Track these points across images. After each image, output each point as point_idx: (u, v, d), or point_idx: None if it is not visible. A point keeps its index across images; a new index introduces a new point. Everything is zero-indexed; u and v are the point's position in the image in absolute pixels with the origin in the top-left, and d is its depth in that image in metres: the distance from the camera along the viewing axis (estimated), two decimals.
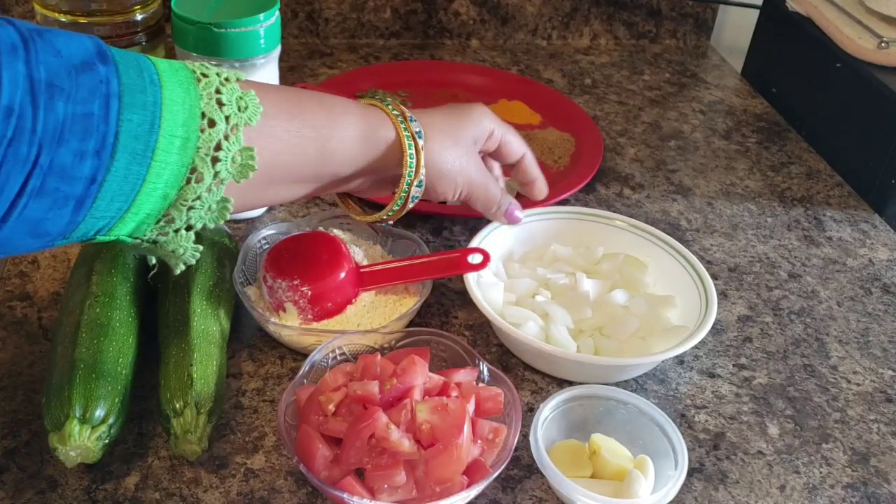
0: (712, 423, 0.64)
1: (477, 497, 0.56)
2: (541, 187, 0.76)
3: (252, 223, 0.79)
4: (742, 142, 1.02)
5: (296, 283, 0.64)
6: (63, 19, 0.67)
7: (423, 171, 0.62)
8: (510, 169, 0.75)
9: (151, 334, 0.62)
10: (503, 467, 0.55)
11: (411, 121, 0.62)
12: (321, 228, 0.72)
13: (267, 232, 0.72)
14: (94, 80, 0.44)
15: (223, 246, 0.69)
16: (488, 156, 0.73)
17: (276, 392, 0.63)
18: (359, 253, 0.69)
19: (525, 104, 1.02)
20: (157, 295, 0.65)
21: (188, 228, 0.52)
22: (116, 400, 0.55)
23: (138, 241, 0.51)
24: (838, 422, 0.66)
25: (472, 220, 0.82)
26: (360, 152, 0.60)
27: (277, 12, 0.71)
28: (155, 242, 0.51)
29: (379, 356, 0.59)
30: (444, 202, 0.73)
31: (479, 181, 0.68)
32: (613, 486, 0.56)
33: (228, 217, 0.53)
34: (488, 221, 0.73)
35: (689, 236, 0.84)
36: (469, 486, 0.53)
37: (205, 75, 0.50)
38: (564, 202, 0.85)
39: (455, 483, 0.53)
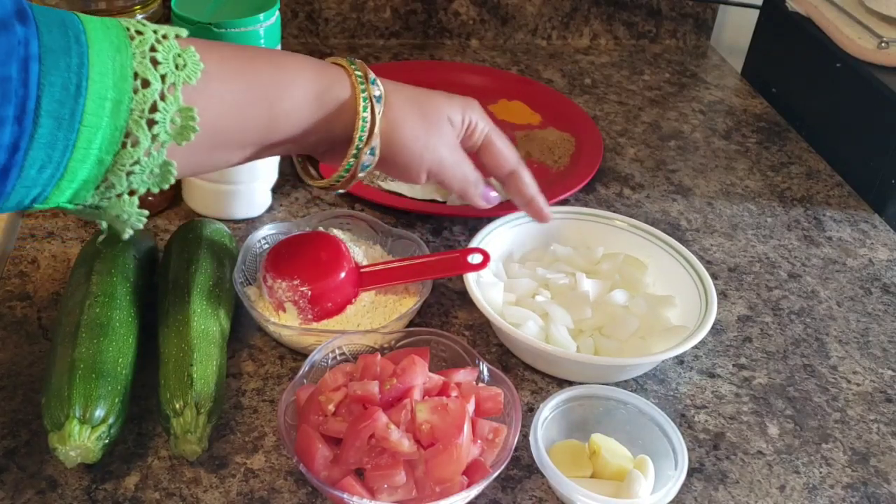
0: (712, 423, 0.64)
1: (477, 497, 0.56)
2: (537, 208, 0.69)
3: (252, 223, 0.80)
4: (742, 142, 1.02)
5: (296, 283, 0.64)
6: None
7: (376, 138, 0.58)
8: (503, 184, 0.69)
9: (151, 334, 0.62)
10: (503, 467, 0.55)
11: (373, 83, 0.58)
12: (321, 228, 0.72)
13: (267, 232, 0.72)
14: (10, 41, 0.41)
15: (223, 246, 0.69)
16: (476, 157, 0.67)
17: (276, 392, 0.63)
18: (359, 253, 0.69)
19: (525, 104, 1.02)
20: (157, 295, 0.65)
21: (131, 193, 0.49)
22: (116, 400, 0.55)
23: (80, 207, 0.49)
24: (838, 422, 0.66)
25: (472, 220, 0.82)
26: (312, 113, 0.56)
27: (277, 12, 0.71)
28: (98, 208, 0.49)
29: (379, 356, 0.59)
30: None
31: (451, 161, 0.63)
32: (613, 486, 0.56)
33: (173, 181, 0.50)
34: (488, 221, 0.73)
35: (689, 236, 0.84)
36: (469, 486, 0.53)
37: (139, 32, 0.47)
38: (564, 202, 0.85)
39: (455, 483, 0.53)
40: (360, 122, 0.57)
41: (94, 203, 0.49)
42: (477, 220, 0.81)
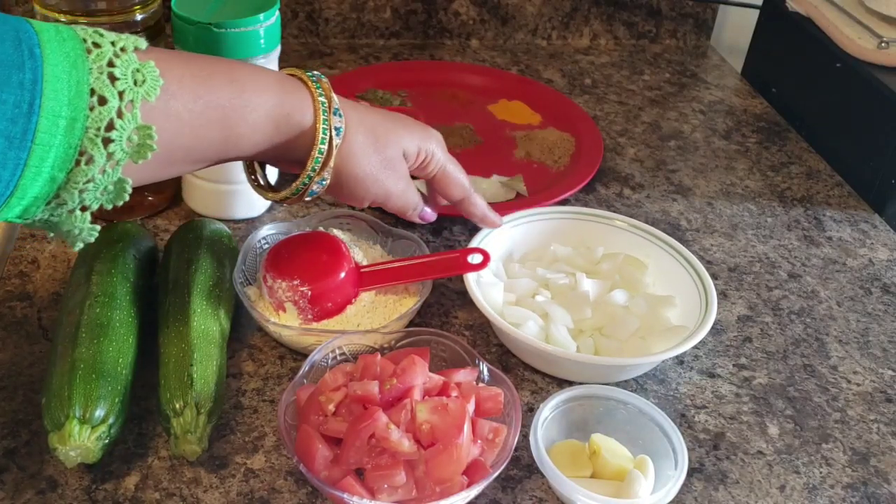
0: (712, 423, 0.64)
1: (477, 497, 0.56)
2: (490, 222, 0.71)
3: (252, 223, 0.79)
4: (742, 142, 1.02)
5: (296, 283, 0.64)
6: (63, 19, 0.67)
7: (328, 171, 0.58)
8: (456, 207, 0.71)
9: (151, 334, 0.62)
10: (503, 467, 0.55)
11: (335, 113, 0.57)
12: (321, 228, 0.72)
13: (267, 232, 0.72)
14: None
15: (223, 246, 0.69)
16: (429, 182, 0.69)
17: (276, 392, 0.63)
18: (359, 253, 0.69)
19: (525, 104, 1.02)
20: (157, 295, 0.65)
21: (83, 209, 0.47)
22: (116, 400, 0.55)
23: (29, 221, 0.47)
24: (838, 422, 0.66)
25: None
26: (269, 137, 0.55)
27: (277, 12, 0.71)
28: (48, 222, 0.48)
29: (379, 356, 0.59)
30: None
31: (397, 192, 0.64)
32: (613, 486, 0.56)
33: (128, 198, 0.49)
34: None
35: (689, 236, 0.84)
36: (469, 486, 0.53)
37: (97, 45, 0.45)
38: (564, 202, 0.85)
39: (455, 483, 0.53)
40: (316, 152, 0.57)
41: (44, 218, 0.47)
42: None
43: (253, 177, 0.65)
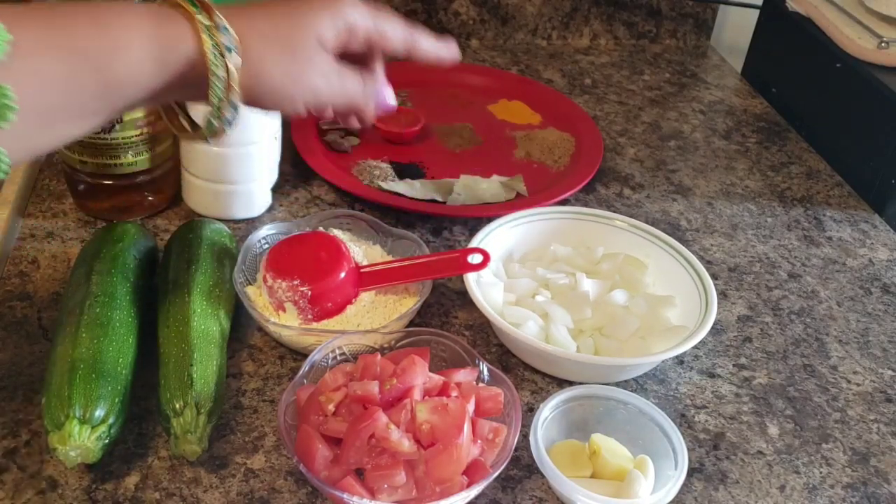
0: (712, 423, 0.64)
1: (477, 497, 0.56)
2: (445, 54, 0.63)
3: (252, 223, 0.79)
4: (742, 142, 1.02)
5: (296, 283, 0.64)
6: None
7: (235, 95, 0.52)
8: (407, 57, 0.62)
9: (151, 334, 0.62)
10: (503, 467, 0.55)
11: (223, 30, 0.50)
12: (321, 228, 0.72)
13: (267, 232, 0.72)
14: None
15: (223, 246, 0.69)
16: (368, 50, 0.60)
17: (276, 392, 0.63)
18: (359, 253, 0.69)
19: (525, 104, 1.02)
20: (157, 295, 0.65)
21: None
22: (116, 400, 0.55)
23: None
24: (838, 422, 0.66)
25: (472, 220, 0.82)
26: (156, 75, 0.49)
27: None
28: None
29: (379, 356, 0.59)
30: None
31: (328, 87, 0.56)
32: (613, 486, 0.56)
33: (7, 169, 0.44)
34: (488, 221, 0.73)
35: (689, 236, 0.84)
36: (469, 486, 0.53)
37: None
38: (564, 202, 0.85)
39: (455, 483, 0.53)
40: (213, 79, 0.50)
41: None
42: (477, 220, 0.81)
43: (171, 117, 0.59)
